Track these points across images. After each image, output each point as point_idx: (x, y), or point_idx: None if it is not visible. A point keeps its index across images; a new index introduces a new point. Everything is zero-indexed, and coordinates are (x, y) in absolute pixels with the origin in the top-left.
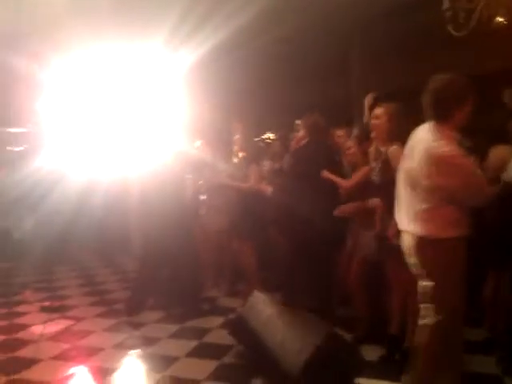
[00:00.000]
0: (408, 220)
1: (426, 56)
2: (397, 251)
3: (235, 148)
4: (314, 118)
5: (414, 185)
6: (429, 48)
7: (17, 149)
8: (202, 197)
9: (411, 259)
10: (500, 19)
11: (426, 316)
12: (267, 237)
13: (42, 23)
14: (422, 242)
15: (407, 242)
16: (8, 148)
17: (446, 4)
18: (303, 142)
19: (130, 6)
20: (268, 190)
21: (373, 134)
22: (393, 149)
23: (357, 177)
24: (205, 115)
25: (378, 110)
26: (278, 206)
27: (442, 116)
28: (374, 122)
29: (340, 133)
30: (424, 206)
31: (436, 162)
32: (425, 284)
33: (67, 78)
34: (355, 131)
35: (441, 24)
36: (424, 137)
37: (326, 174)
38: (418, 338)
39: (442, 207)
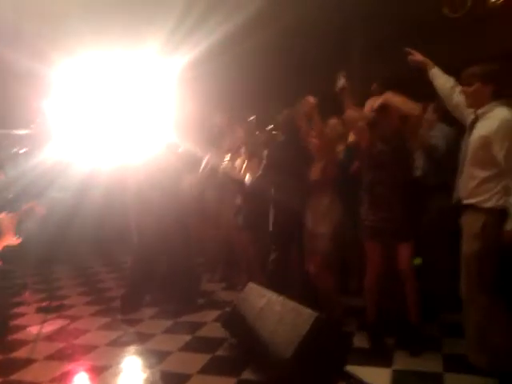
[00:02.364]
0: None
1: (427, 42)
2: None
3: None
4: (290, 114)
5: None
6: (429, 34)
7: (21, 151)
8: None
9: None
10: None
11: None
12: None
13: (43, 22)
14: None
15: None
16: (13, 150)
17: None
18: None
19: (130, 8)
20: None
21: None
22: None
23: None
24: (197, 113)
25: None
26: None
27: None
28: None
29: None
30: None
31: None
32: None
33: (68, 77)
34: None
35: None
36: None
37: None
38: None
39: None
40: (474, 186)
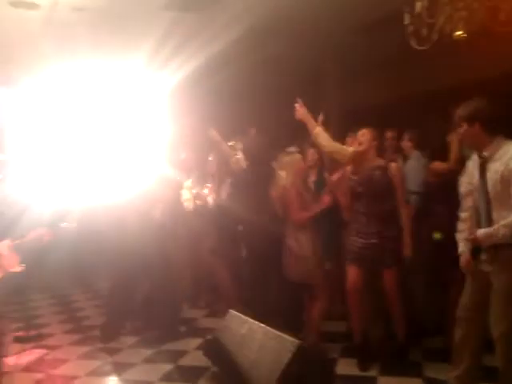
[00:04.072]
0: None
1: (397, 72)
2: None
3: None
4: (252, 140)
5: None
6: (400, 63)
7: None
8: None
9: None
10: (459, 33)
11: None
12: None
13: (13, 48)
14: None
15: None
16: None
17: (407, 19)
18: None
19: (108, 28)
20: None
21: None
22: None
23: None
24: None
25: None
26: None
27: None
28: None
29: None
30: None
31: None
32: None
33: (42, 101)
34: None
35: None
36: None
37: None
38: None
39: None
40: None
